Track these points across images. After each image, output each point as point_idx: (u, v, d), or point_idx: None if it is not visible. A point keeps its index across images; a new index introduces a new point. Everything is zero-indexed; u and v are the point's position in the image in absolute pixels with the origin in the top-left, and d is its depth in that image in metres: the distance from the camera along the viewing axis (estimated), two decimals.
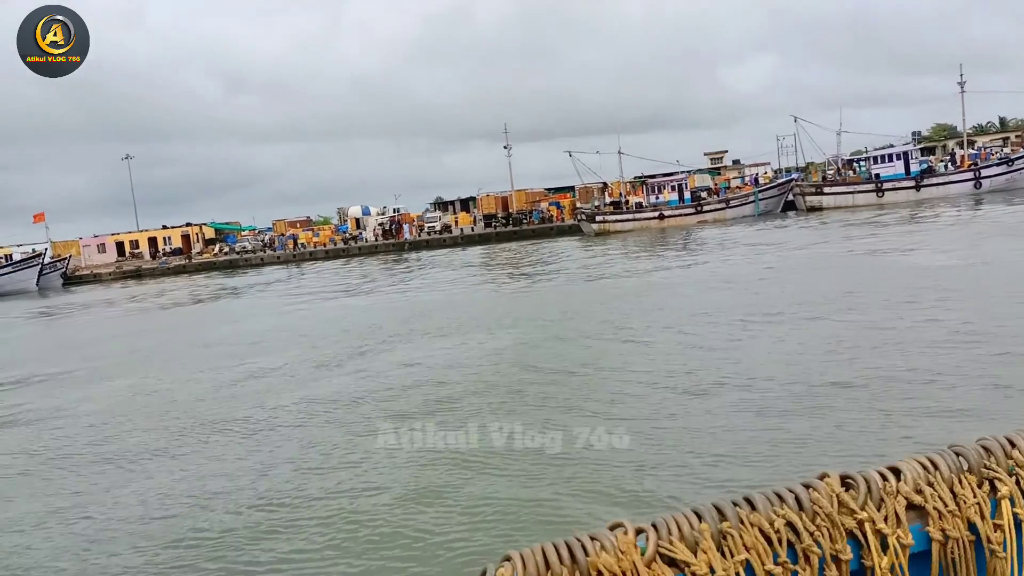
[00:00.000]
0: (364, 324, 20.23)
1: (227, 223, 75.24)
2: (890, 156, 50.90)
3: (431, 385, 11.94)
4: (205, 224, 72.41)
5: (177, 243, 69.91)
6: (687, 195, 54.67)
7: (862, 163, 52.79)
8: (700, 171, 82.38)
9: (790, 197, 54.04)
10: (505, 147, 63.25)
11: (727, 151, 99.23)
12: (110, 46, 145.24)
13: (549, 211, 64.15)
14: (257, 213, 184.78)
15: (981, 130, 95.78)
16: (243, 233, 72.71)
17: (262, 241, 66.35)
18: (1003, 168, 49.02)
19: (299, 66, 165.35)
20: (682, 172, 57.83)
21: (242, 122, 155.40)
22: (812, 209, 51.38)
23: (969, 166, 50.90)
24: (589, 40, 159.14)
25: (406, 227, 61.96)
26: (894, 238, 29.36)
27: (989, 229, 29.59)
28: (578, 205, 62.49)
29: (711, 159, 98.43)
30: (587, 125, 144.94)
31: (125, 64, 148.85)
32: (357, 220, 71.69)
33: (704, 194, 58.68)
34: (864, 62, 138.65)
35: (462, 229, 65.80)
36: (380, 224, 65.53)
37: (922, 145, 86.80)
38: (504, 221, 62.91)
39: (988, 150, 57.76)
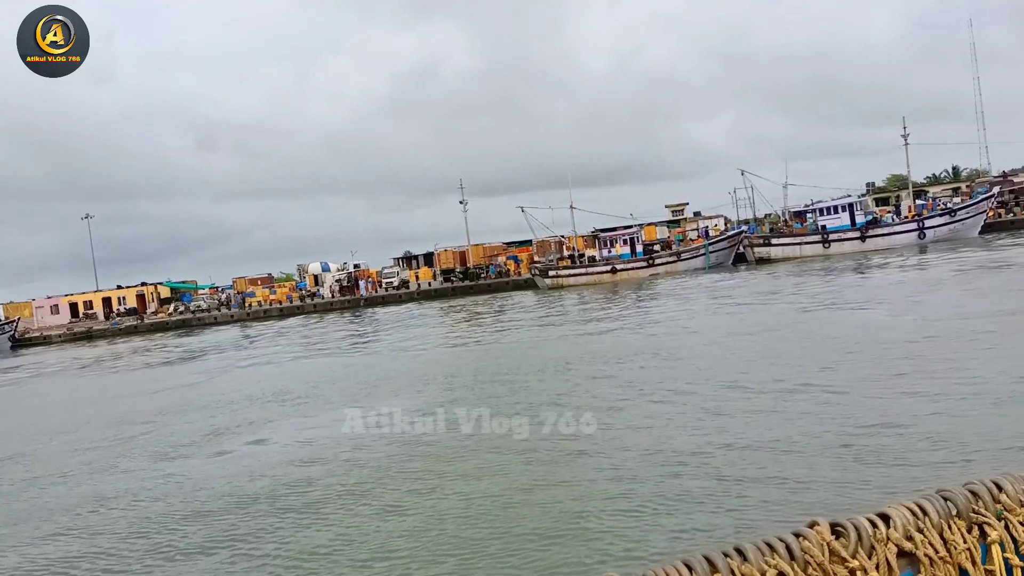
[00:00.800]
0: (275, 389, 19.82)
1: (183, 282, 74.61)
2: (836, 208, 51.66)
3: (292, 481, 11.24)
4: (161, 283, 71.66)
5: (132, 303, 69.07)
6: (639, 248, 54.98)
7: (809, 215, 53.45)
8: (660, 223, 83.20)
9: (741, 249, 54.52)
10: (461, 202, 63.66)
11: (688, 203, 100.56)
12: (79, 104, 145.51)
13: (506, 265, 64.29)
14: (229, 269, 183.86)
15: (935, 180, 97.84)
16: (200, 292, 72.02)
17: (218, 300, 65.68)
18: (946, 219, 49.84)
19: (270, 123, 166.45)
20: (635, 226, 58.22)
21: (213, 179, 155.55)
22: (761, 261, 51.87)
23: (913, 217, 51.74)
24: (556, 94, 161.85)
25: (363, 283, 61.65)
26: (826, 291, 29.56)
27: (919, 279, 29.93)
28: (536, 259, 62.76)
29: (672, 211, 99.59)
30: (556, 178, 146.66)
31: (94, 121, 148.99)
32: (316, 277, 71.43)
33: (657, 247, 59.03)
34: (824, 114, 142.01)
35: (419, 284, 65.71)
36: (337, 281, 65.26)
37: (876, 195, 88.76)
38: (461, 276, 62.88)
39: (934, 201, 58.69)
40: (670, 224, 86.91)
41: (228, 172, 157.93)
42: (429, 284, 64.17)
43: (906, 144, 56.31)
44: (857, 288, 29.69)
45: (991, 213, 53.75)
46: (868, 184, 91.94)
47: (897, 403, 10.82)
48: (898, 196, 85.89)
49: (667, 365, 16.79)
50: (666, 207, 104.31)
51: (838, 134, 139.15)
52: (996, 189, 53.86)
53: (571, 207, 56.80)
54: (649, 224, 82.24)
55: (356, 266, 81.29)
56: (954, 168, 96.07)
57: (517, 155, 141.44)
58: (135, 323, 61.25)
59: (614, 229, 58.64)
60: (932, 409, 10.29)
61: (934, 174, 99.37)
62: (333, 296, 63.28)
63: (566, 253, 60.91)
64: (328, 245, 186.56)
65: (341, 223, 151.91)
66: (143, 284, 70.51)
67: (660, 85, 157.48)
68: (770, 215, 65.04)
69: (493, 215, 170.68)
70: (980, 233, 49.73)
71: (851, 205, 51.54)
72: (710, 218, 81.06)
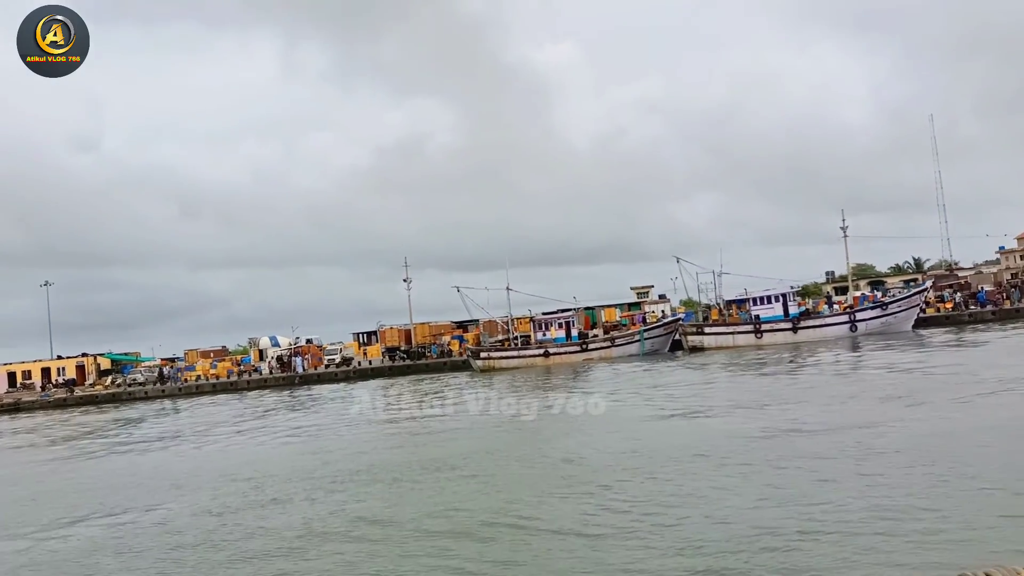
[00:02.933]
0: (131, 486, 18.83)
1: (125, 353, 73.55)
2: (769, 298, 51.29)
3: None
4: (102, 354, 70.63)
5: (72, 373, 67.95)
6: (574, 333, 54.37)
7: (744, 304, 53.01)
8: (620, 305, 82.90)
9: (678, 336, 53.92)
10: (405, 280, 63.19)
11: (653, 286, 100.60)
12: (62, 171, 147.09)
13: (451, 345, 63.50)
14: (207, 338, 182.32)
15: (899, 270, 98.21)
16: (141, 364, 70.94)
17: (156, 373, 64.59)
18: (877, 312, 49.47)
19: (254, 194, 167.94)
20: (571, 310, 57.75)
21: (194, 247, 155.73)
22: (694, 349, 51.24)
23: (845, 309, 51.38)
24: (540, 172, 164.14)
25: (298, 360, 60.72)
26: (736, 389, 28.87)
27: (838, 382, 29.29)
28: (481, 340, 62.05)
29: (637, 293, 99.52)
30: (540, 255, 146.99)
31: (76, 188, 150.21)
32: (260, 352, 70.57)
33: (599, 331, 58.36)
34: (801, 201, 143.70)
35: (359, 362, 64.84)
36: (277, 357, 64.36)
37: (836, 284, 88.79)
38: (404, 355, 62.05)
39: (884, 293, 58.39)
40: (631, 306, 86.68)
41: (209, 240, 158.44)
42: (370, 362, 63.33)
43: (845, 236, 56.44)
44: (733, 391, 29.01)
45: (948, 305, 53.40)
46: (828, 273, 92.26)
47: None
48: (856, 285, 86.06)
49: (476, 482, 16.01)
50: (631, 288, 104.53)
51: (815, 221, 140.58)
52: (929, 283, 53.68)
53: (507, 288, 56.46)
54: (609, 306, 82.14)
55: (308, 340, 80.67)
56: (916, 260, 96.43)
57: (500, 231, 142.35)
58: (65, 396, 60.03)
59: (566, 311, 58.00)
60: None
61: (898, 264, 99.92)
62: (271, 372, 62.26)
63: (500, 336, 60.38)
64: (307, 316, 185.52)
65: (322, 295, 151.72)
66: (83, 355, 69.50)
67: (643, 167, 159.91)
68: (718, 302, 64.78)
69: (474, 292, 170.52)
70: (914, 327, 49.33)
71: (784, 295, 51.23)
72: (657, 303, 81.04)
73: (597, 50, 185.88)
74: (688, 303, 71.00)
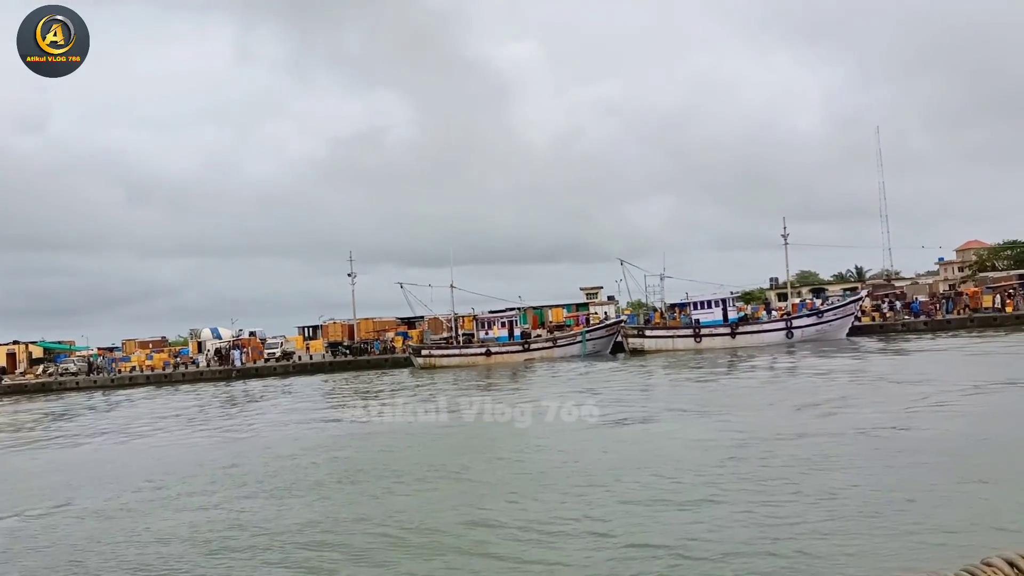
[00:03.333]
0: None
1: (59, 342, 71.46)
2: (709, 302, 51.85)
3: None
4: (35, 342, 68.53)
5: (2, 360, 65.73)
6: (517, 332, 54.29)
7: (684, 308, 53.47)
8: (568, 306, 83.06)
9: (620, 338, 54.20)
10: (349, 274, 62.53)
11: (602, 287, 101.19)
12: (4, 152, 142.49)
13: (394, 341, 62.97)
14: (153, 327, 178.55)
15: (841, 278, 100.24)
16: (76, 353, 68.99)
17: (88, 362, 62.85)
18: (813, 319, 50.34)
19: (206, 181, 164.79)
20: (514, 309, 57.72)
21: (142, 234, 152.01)
22: (635, 352, 51.57)
23: (782, 316, 52.20)
24: (497, 169, 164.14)
25: (236, 353, 59.61)
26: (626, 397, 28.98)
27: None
28: (424, 337, 61.63)
29: (587, 294, 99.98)
30: (497, 252, 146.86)
31: (20, 169, 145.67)
32: (199, 344, 69.19)
33: (543, 331, 58.32)
34: (754, 207, 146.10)
35: (311, 356, 63.99)
36: (216, 350, 63.13)
37: (779, 291, 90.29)
38: (346, 350, 61.37)
39: (812, 300, 59.48)
40: (579, 307, 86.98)
41: (159, 227, 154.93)
42: (311, 357, 62.54)
43: (786, 244, 57.41)
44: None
45: (890, 315, 54.34)
46: (772, 279, 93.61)
47: None
48: (799, 292, 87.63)
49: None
50: (581, 289, 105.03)
51: (769, 226, 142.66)
52: (864, 292, 54.83)
53: (451, 286, 56.20)
54: (557, 306, 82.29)
55: (251, 333, 79.34)
56: (858, 268, 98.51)
57: (457, 228, 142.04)
58: None
59: (510, 310, 57.84)
60: None
61: (840, 273, 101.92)
62: (208, 365, 61.06)
63: (444, 333, 60.14)
64: (259, 308, 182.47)
65: (275, 285, 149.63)
66: (15, 342, 67.35)
67: (600, 168, 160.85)
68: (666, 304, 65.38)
69: (418, 289, 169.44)
70: (848, 335, 50.30)
71: (724, 301, 51.84)
72: (605, 304, 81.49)
73: (559, 50, 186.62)
74: (637, 305, 71.77)
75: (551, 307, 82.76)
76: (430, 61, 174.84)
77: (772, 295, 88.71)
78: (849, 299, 52.50)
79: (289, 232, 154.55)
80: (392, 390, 38.17)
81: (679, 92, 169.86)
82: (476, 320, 56.06)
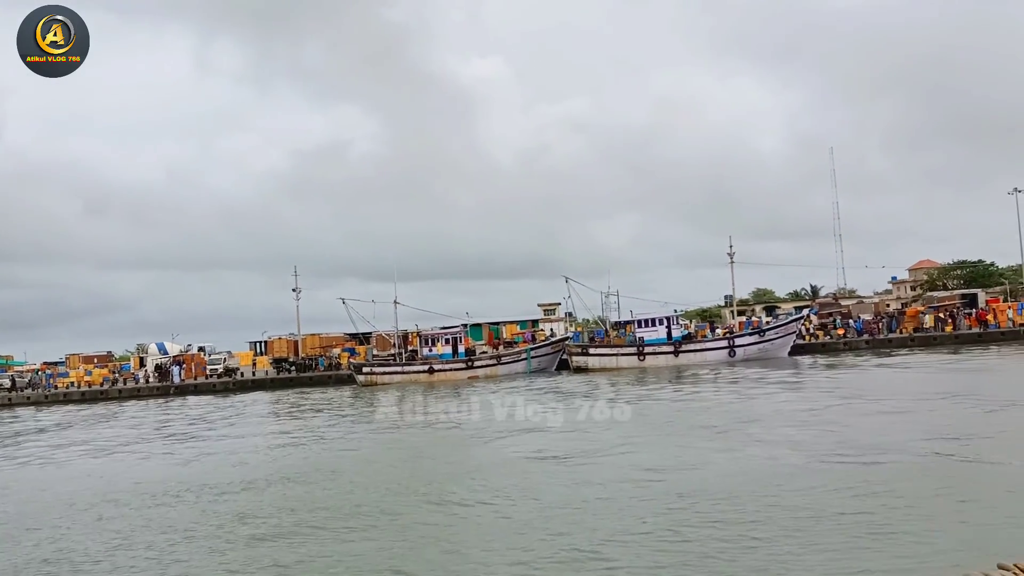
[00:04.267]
0: None
1: None
2: (653, 320, 51.66)
3: None
4: None
5: None
6: (461, 349, 53.66)
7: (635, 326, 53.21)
8: (523, 322, 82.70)
9: (566, 355, 53.84)
10: (294, 289, 61.54)
11: (560, 303, 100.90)
12: None
13: (340, 357, 61.98)
14: (111, 341, 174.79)
15: (797, 296, 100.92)
16: (13, 368, 67.14)
17: (11, 379, 61.05)
18: (755, 338, 50.33)
19: (166, 193, 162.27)
20: (458, 326, 57.15)
21: (101, 246, 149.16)
22: (579, 369, 51.20)
23: (725, 334, 52.16)
24: (463, 186, 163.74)
25: (175, 369, 58.30)
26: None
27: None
28: (376, 353, 60.75)
29: (544, 310, 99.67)
30: (463, 268, 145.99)
31: None
32: (141, 359, 67.75)
33: (485, 348, 57.80)
34: (719, 225, 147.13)
35: (242, 372, 62.80)
36: (156, 365, 61.74)
37: (734, 308, 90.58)
38: (290, 367, 60.27)
39: (756, 319, 59.50)
40: (535, 323, 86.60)
41: (118, 240, 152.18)
42: (253, 373, 61.39)
43: (732, 263, 57.52)
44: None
45: (840, 331, 54.33)
46: (726, 297, 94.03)
47: None
48: (752, 310, 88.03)
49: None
50: (538, 305, 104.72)
51: (736, 245, 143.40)
52: (806, 311, 55.07)
53: (395, 302, 55.47)
54: (511, 322, 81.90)
55: (200, 348, 77.89)
56: (812, 287, 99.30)
57: (424, 243, 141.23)
58: None
59: (452, 327, 57.17)
60: None
61: (796, 291, 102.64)
62: (147, 381, 59.66)
63: (389, 350, 59.29)
64: (221, 322, 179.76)
65: (238, 300, 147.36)
66: None
67: (566, 185, 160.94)
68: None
69: (361, 305, 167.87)
70: (791, 354, 50.37)
71: (668, 319, 51.69)
72: (561, 320, 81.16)
73: (526, 67, 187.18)
74: (594, 323, 71.58)
75: (506, 323, 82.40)
76: (393, 75, 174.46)
77: (726, 312, 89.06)
78: (791, 318, 52.63)
79: (252, 246, 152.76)
80: (315, 412, 37.30)
81: (645, 111, 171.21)
82: (420, 337, 55.39)
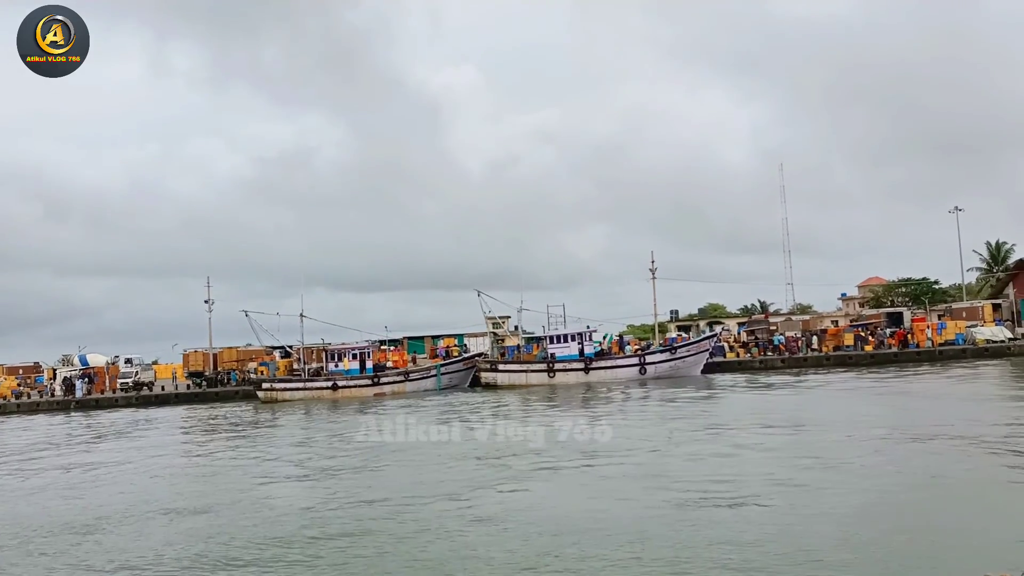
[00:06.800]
0: None
1: None
2: (565, 336, 50.40)
3: None
4: None
5: None
6: (369, 365, 52.06)
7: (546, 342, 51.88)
8: (461, 336, 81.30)
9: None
10: (206, 301, 59.71)
11: (509, 316, 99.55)
12: None
13: (258, 371, 60.23)
14: (71, 349, 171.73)
15: (747, 311, 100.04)
16: None
17: None
18: (666, 356, 49.10)
19: (128, 199, 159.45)
20: (367, 341, 55.63)
21: (61, 252, 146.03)
22: (488, 386, 49.83)
23: (636, 351, 50.90)
24: (430, 196, 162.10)
25: (79, 383, 56.43)
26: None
27: None
28: (295, 367, 59.08)
29: (493, 323, 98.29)
30: (431, 278, 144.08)
31: None
32: (55, 371, 65.86)
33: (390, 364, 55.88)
34: (687, 238, 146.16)
35: (163, 386, 60.97)
36: (64, 378, 59.81)
37: (679, 323, 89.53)
38: (199, 382, 58.46)
39: (668, 337, 58.35)
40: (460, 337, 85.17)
41: (78, 246, 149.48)
42: (162, 387, 59.59)
43: (654, 278, 56.28)
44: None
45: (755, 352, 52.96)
46: (672, 311, 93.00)
47: None
48: (696, 325, 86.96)
49: None
50: (487, 318, 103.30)
51: (702, 258, 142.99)
52: (719, 329, 53.90)
53: (301, 315, 53.79)
54: (449, 335, 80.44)
55: (128, 360, 75.86)
56: (761, 302, 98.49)
57: (391, 253, 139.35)
58: None
59: (358, 345, 55.49)
60: None
61: (746, 306, 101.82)
62: (52, 395, 57.79)
63: (315, 364, 57.65)
64: (183, 330, 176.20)
65: (201, 307, 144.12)
66: None
67: (535, 195, 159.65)
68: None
69: (365, 312, 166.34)
70: (704, 371, 49.12)
71: (581, 335, 50.41)
72: (514, 334, 79.85)
73: (493, 77, 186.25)
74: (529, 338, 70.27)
75: (444, 336, 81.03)
76: (357, 80, 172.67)
77: (672, 327, 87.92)
78: (703, 336, 51.44)
79: (216, 253, 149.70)
80: (183, 433, 35.72)
81: (613, 122, 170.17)
82: (325, 352, 53.81)
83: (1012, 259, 68.48)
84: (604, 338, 53.27)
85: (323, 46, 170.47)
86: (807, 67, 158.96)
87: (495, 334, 57.35)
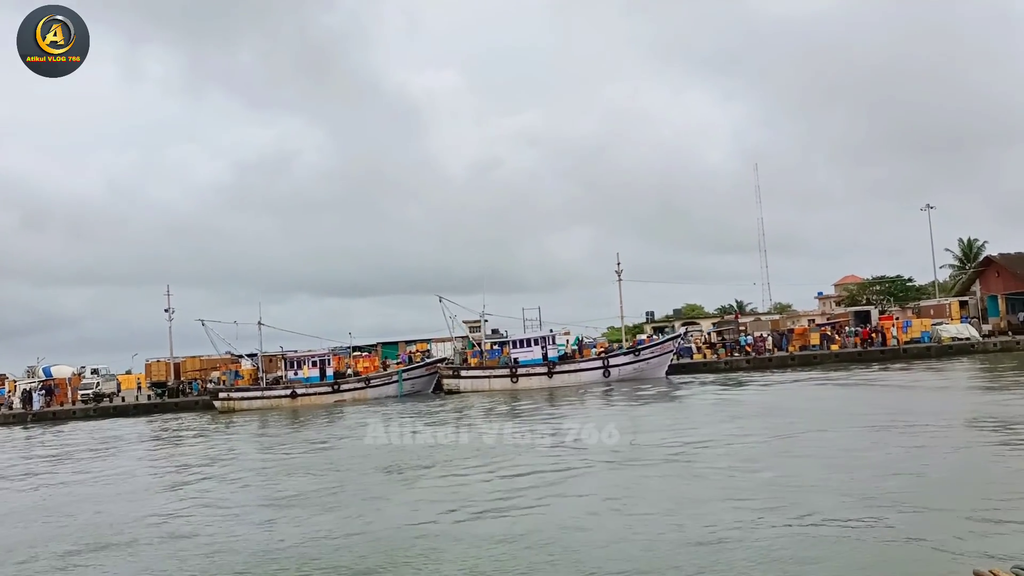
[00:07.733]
0: None
1: None
2: (528, 341, 49.79)
3: None
4: None
5: None
6: (329, 372, 51.22)
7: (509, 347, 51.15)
8: (429, 340, 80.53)
9: None
10: (166, 309, 58.49)
11: (487, 320, 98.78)
12: None
13: (220, 380, 59.24)
14: (53, 359, 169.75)
15: (723, 311, 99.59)
16: None
17: None
18: (630, 358, 48.50)
19: (108, 206, 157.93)
20: (326, 348, 54.78)
21: (39, 261, 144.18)
22: (451, 392, 49.10)
23: (600, 354, 50.30)
24: (412, 201, 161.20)
25: (36, 396, 55.33)
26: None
27: None
28: (260, 374, 58.13)
29: (470, 328, 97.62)
30: (417, 282, 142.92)
31: None
32: (15, 383, 64.64)
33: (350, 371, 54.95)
34: (671, 239, 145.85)
35: (123, 397, 59.98)
36: (23, 391, 58.65)
37: (655, 325, 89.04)
38: (160, 392, 57.41)
39: (636, 338, 57.78)
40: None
41: (57, 254, 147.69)
42: (123, 399, 58.59)
43: (620, 280, 55.57)
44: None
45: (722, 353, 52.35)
46: (648, 313, 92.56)
47: None
48: (673, 325, 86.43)
49: None
50: (464, 322, 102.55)
51: (685, 259, 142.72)
52: (683, 330, 53.37)
53: (259, 323, 52.99)
54: (422, 340, 79.55)
55: (94, 371, 74.88)
56: (738, 302, 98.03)
57: (375, 257, 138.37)
58: None
59: (314, 353, 54.43)
60: None
61: (723, 306, 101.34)
62: (11, 408, 56.67)
63: (276, 372, 56.72)
64: (163, 338, 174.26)
65: (183, 315, 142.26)
66: None
67: (519, 198, 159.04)
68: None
69: (352, 316, 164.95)
70: (669, 373, 48.56)
71: (544, 339, 49.78)
72: (444, 340, 79.33)
73: (474, 80, 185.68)
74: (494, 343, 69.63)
75: (420, 341, 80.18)
76: (336, 84, 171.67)
77: (648, 328, 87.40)
78: (666, 337, 50.88)
79: (197, 260, 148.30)
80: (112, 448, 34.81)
81: (597, 124, 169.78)
82: (284, 359, 52.93)
83: (983, 256, 68.28)
84: (567, 342, 52.67)
85: (299, 49, 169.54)
86: (787, 66, 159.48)
87: (470, 339, 56.49)
